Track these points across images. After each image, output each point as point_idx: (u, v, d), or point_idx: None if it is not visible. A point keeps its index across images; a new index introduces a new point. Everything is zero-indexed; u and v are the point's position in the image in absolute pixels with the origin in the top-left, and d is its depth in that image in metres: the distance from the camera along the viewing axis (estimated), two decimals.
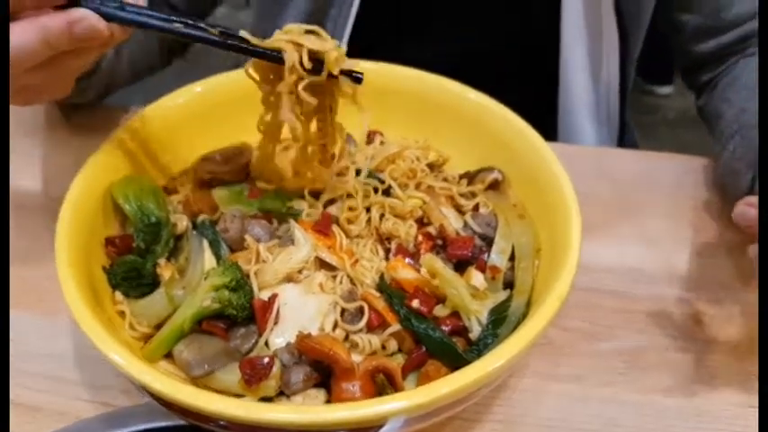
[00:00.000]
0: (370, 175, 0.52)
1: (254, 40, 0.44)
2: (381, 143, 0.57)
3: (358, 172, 0.52)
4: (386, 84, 0.56)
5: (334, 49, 0.44)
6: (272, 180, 0.52)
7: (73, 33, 0.38)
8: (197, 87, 0.55)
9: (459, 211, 0.53)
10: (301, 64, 0.44)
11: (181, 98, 0.54)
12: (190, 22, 0.43)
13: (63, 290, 0.40)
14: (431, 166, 0.55)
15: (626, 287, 0.54)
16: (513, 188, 0.53)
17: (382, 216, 0.50)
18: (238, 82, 0.54)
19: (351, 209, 0.50)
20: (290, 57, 0.44)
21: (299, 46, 0.44)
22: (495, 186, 0.54)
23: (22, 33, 0.37)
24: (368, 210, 0.51)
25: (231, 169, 0.52)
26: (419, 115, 0.57)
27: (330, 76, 0.45)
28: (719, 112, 0.62)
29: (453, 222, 0.51)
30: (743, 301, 0.53)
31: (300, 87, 0.44)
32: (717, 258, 0.56)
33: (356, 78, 0.46)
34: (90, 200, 0.46)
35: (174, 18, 0.42)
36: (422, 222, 0.51)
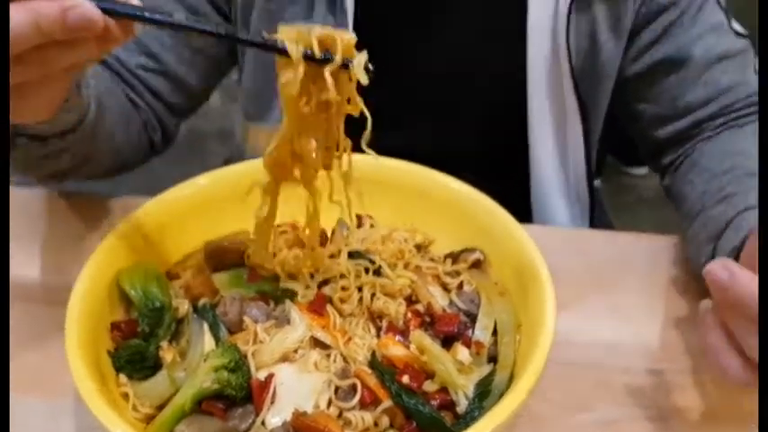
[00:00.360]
0: (362, 256, 0.56)
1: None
2: (371, 226, 0.61)
3: (350, 254, 0.56)
4: (375, 173, 0.60)
5: (344, 32, 0.42)
6: (269, 267, 0.55)
7: (66, 20, 0.36)
8: (201, 180, 0.59)
9: (445, 288, 0.56)
10: (310, 57, 0.41)
11: (186, 190, 0.58)
12: (191, 17, 0.42)
13: (72, 373, 0.42)
14: (418, 247, 0.59)
15: (602, 360, 0.56)
16: (493, 267, 0.57)
17: (373, 295, 0.53)
18: (240, 175, 0.59)
19: (343, 289, 0.53)
20: (296, 48, 0.41)
21: (305, 37, 0.42)
22: (477, 265, 0.57)
23: (13, 15, 0.35)
24: (360, 289, 0.54)
25: (236, 254, 0.55)
26: (406, 201, 0.61)
27: (342, 65, 0.42)
28: (684, 194, 0.67)
29: (440, 300, 0.54)
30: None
31: (328, 70, 0.42)
32: (690, 332, 0.59)
33: (367, 70, 0.43)
34: (98, 287, 0.49)
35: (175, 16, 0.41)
36: (410, 300, 0.54)
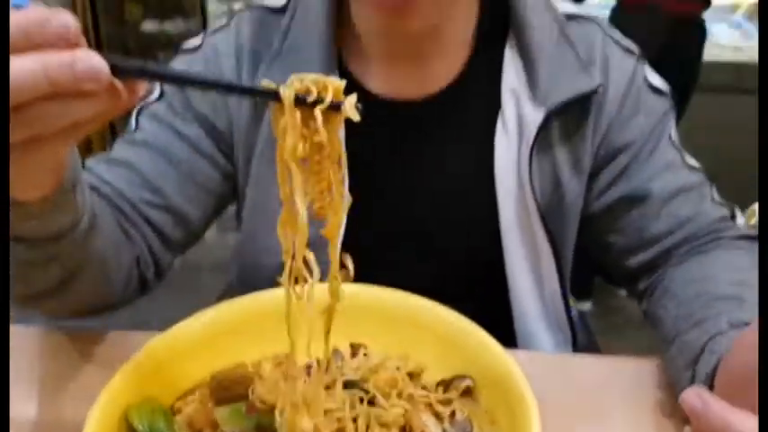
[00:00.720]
0: (356, 385, 0.58)
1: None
2: (365, 355, 0.63)
3: (344, 384, 0.58)
4: (366, 302, 0.63)
5: (333, 79, 0.44)
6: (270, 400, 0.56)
7: (75, 70, 0.36)
8: (203, 317, 0.61)
9: (438, 417, 0.57)
10: (302, 101, 0.43)
11: (190, 326, 0.60)
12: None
13: None
14: (410, 375, 0.61)
15: None
16: (483, 395, 0.59)
17: (368, 427, 0.54)
18: (241, 311, 0.63)
19: (339, 420, 0.55)
20: (289, 92, 0.43)
21: (296, 84, 0.44)
22: (468, 392, 0.59)
23: (23, 63, 0.36)
24: (355, 420, 0.55)
25: (242, 387, 0.57)
26: (397, 329, 0.64)
27: (332, 107, 0.44)
28: (659, 318, 0.69)
29: (433, 429, 0.56)
30: None
31: (319, 110, 0.43)
32: None
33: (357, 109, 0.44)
34: (108, 424, 0.51)
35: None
36: (404, 429, 0.55)
